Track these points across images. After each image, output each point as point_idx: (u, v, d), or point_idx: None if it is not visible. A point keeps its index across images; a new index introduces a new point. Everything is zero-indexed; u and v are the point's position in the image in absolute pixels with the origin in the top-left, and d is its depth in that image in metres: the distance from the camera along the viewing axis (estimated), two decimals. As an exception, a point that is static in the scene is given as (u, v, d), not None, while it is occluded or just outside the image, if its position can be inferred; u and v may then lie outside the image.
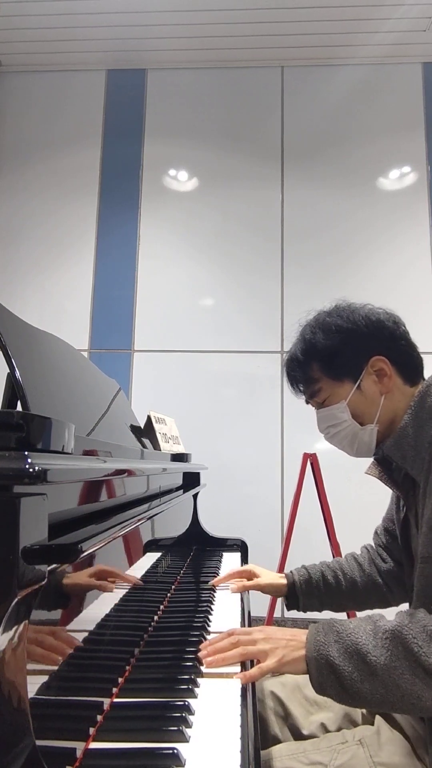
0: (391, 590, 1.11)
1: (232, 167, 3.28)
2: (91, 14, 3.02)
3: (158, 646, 0.85)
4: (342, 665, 0.72)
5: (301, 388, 1.02)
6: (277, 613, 2.60)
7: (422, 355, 0.99)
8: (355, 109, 3.28)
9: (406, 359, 0.95)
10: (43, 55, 3.34)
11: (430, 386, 0.90)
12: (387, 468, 1.00)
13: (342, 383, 0.95)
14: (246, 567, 1.23)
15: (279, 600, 1.31)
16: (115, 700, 0.66)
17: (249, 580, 1.20)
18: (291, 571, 1.18)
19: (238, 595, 1.15)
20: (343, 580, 1.13)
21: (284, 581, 1.15)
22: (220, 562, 1.48)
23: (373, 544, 1.19)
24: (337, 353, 0.94)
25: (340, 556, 2.33)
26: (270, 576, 1.19)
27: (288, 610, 1.17)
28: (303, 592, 1.13)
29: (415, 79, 3.29)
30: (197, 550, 1.61)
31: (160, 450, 1.47)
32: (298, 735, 0.93)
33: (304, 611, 1.15)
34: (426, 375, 0.97)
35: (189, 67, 3.36)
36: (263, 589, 1.17)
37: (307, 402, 1.03)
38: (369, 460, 1.03)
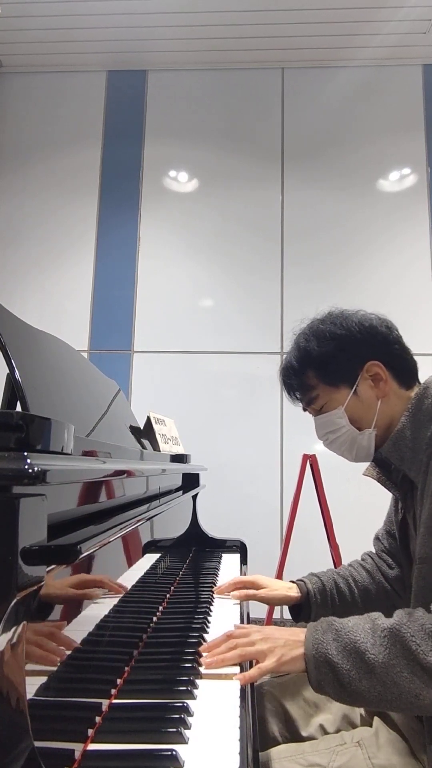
0: (400, 597, 1.07)
1: (233, 168, 3.28)
2: (91, 15, 3.02)
3: (157, 647, 0.85)
4: (340, 663, 0.72)
5: (298, 396, 1.02)
6: (276, 615, 2.60)
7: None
8: (356, 111, 3.28)
9: (401, 363, 0.96)
10: (43, 56, 3.34)
11: (427, 389, 0.90)
12: (385, 470, 1.00)
13: (338, 389, 0.96)
14: (250, 577, 1.14)
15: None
16: (114, 701, 0.65)
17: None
18: (302, 580, 1.09)
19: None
20: (355, 589, 1.08)
21: (295, 592, 1.07)
22: (219, 563, 1.48)
23: (375, 551, 1.16)
24: (332, 360, 0.95)
25: (340, 557, 2.34)
26: (277, 586, 1.09)
27: (296, 621, 1.08)
28: (317, 603, 1.05)
29: (415, 80, 3.30)
30: (196, 551, 1.60)
31: (159, 451, 1.47)
32: (296, 736, 0.93)
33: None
34: (421, 377, 0.98)
35: (189, 68, 3.36)
36: (269, 601, 1.08)
37: (305, 409, 1.03)
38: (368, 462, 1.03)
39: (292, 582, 1.10)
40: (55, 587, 0.54)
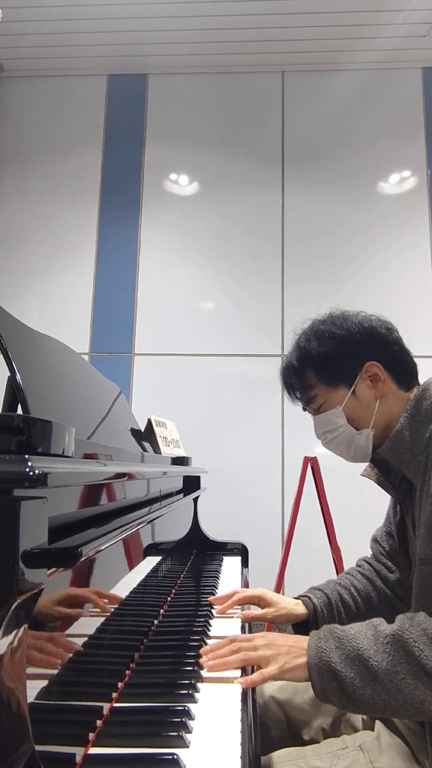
0: (402, 601, 1.06)
1: (233, 171, 3.29)
2: (92, 20, 3.04)
3: (158, 650, 0.85)
4: (344, 671, 0.72)
5: (298, 395, 1.02)
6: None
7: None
8: (356, 114, 3.29)
9: (400, 364, 0.97)
10: (44, 60, 3.35)
11: (425, 390, 0.90)
12: (384, 471, 1.00)
13: (337, 389, 0.97)
14: (254, 592, 1.06)
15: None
16: (115, 704, 0.65)
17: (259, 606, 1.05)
18: (308, 596, 1.05)
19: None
20: (359, 598, 1.06)
21: (302, 609, 1.02)
22: (221, 566, 1.48)
23: (372, 553, 1.15)
24: (332, 359, 0.96)
25: (341, 559, 2.34)
26: (284, 604, 1.03)
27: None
28: (324, 618, 1.01)
29: (415, 83, 3.31)
30: (197, 553, 1.60)
31: (160, 453, 1.47)
32: (298, 740, 0.93)
33: None
34: (421, 379, 0.98)
35: (190, 71, 3.37)
36: (274, 621, 1.02)
37: (304, 409, 1.04)
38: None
39: (296, 598, 1.06)
40: (57, 591, 0.53)
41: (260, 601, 1.05)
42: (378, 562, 1.11)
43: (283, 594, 1.19)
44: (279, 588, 2.36)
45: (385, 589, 1.07)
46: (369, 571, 1.11)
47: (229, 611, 1.06)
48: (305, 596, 1.05)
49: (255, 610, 1.04)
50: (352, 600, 1.06)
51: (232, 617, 1.03)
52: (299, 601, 1.04)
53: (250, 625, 1.04)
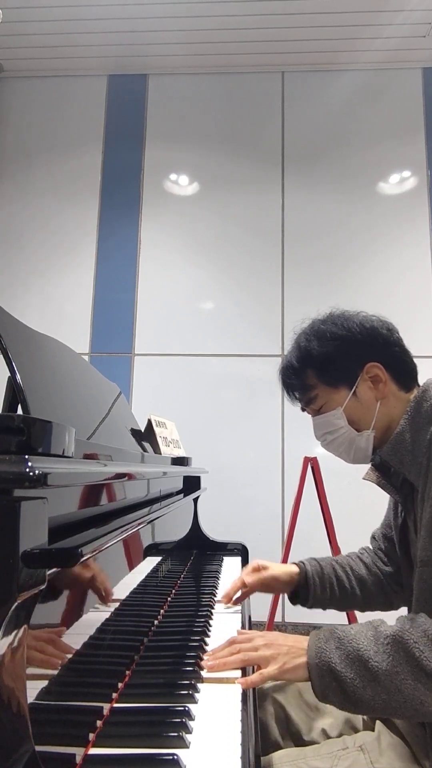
0: (395, 591, 1.10)
1: (233, 172, 3.29)
2: (92, 20, 3.04)
3: (158, 650, 0.85)
4: (344, 672, 0.72)
5: (297, 396, 1.02)
6: (277, 618, 2.59)
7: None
8: (356, 114, 3.29)
9: (401, 365, 0.96)
10: (44, 61, 3.35)
11: (425, 391, 0.90)
12: (385, 473, 1.00)
13: (338, 390, 0.96)
14: (252, 564, 1.13)
15: (280, 604, 1.25)
16: (115, 705, 0.65)
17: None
18: (302, 561, 1.11)
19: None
20: (353, 578, 1.10)
21: (295, 569, 1.10)
22: (221, 566, 1.48)
23: (371, 548, 1.18)
24: (332, 360, 0.95)
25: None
26: (280, 566, 1.12)
27: (293, 604, 1.12)
28: (315, 585, 1.08)
29: (415, 84, 3.31)
30: (198, 554, 1.60)
31: (160, 454, 1.47)
32: (298, 741, 0.93)
33: (311, 607, 1.10)
34: (421, 380, 0.98)
35: (190, 72, 3.37)
36: (276, 578, 1.09)
37: (303, 409, 1.03)
38: (368, 464, 1.03)
39: (294, 564, 1.12)
40: (57, 590, 0.53)
41: (259, 569, 1.11)
42: (376, 555, 1.15)
43: (280, 598, 1.21)
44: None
45: (381, 576, 1.11)
46: (368, 558, 1.15)
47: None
48: (301, 562, 1.11)
49: (252, 576, 1.10)
50: (346, 577, 1.10)
51: (233, 611, 1.07)
52: (293, 564, 1.11)
53: (250, 622, 1.05)
